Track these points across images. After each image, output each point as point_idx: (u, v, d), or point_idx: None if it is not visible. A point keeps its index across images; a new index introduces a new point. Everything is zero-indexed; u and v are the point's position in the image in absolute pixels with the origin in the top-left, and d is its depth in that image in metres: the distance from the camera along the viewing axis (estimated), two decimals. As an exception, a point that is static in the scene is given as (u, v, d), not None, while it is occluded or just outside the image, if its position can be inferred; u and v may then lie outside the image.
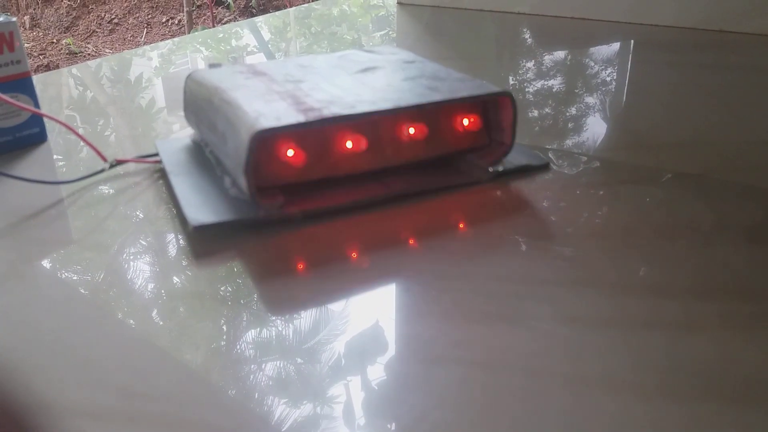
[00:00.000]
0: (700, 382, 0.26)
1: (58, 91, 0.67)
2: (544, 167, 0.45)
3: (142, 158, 0.46)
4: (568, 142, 0.49)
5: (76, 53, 2.82)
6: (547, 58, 0.71)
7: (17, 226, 0.39)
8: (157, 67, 0.75)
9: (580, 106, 0.57)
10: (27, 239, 0.38)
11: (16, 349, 0.29)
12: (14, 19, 0.47)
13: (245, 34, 0.91)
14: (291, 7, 1.06)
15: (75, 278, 0.34)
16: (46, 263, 0.36)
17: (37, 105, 0.50)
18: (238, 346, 0.29)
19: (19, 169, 0.47)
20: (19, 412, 0.26)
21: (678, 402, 0.26)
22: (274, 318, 0.31)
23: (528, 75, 0.66)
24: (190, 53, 0.81)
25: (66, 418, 0.26)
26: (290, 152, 0.37)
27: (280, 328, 0.30)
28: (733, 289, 0.32)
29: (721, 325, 0.29)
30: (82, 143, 0.46)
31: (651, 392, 0.26)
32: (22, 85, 0.49)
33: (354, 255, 0.36)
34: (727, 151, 0.47)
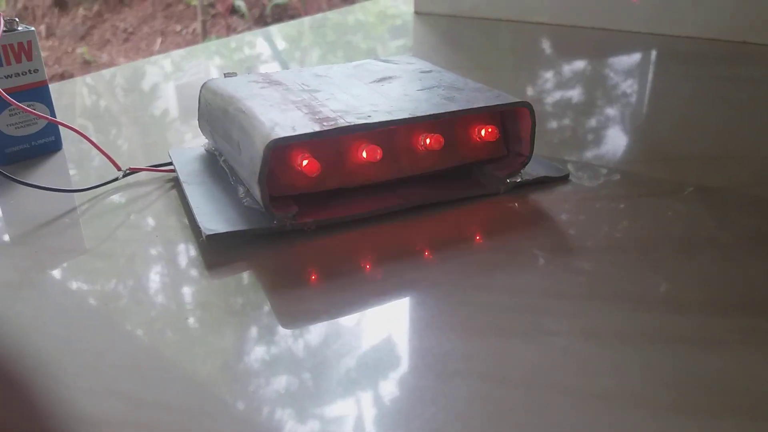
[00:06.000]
0: (719, 398, 0.26)
1: (72, 99, 0.67)
2: (563, 179, 0.44)
3: (155, 167, 0.46)
4: (588, 154, 0.49)
5: (91, 62, 2.84)
6: (566, 69, 0.71)
7: (31, 234, 0.39)
8: (170, 76, 0.75)
9: (600, 117, 0.56)
10: (40, 247, 0.38)
11: (28, 356, 0.29)
12: (33, 28, 0.47)
13: (259, 44, 0.91)
14: (306, 16, 1.06)
15: (86, 287, 0.34)
16: (58, 272, 0.36)
17: (53, 114, 0.50)
18: (248, 358, 0.29)
19: (34, 177, 0.47)
20: (30, 418, 0.26)
21: (695, 419, 0.25)
22: (285, 330, 0.30)
23: (546, 85, 0.65)
24: (204, 62, 0.81)
25: (77, 426, 0.25)
26: (305, 162, 0.37)
27: (291, 341, 0.30)
28: (754, 305, 0.31)
29: (741, 341, 0.29)
30: (95, 152, 0.46)
31: (667, 409, 0.25)
32: (40, 93, 0.49)
33: (368, 266, 0.35)
34: (749, 164, 0.47)
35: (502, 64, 0.76)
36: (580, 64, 0.73)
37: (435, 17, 0.98)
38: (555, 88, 0.64)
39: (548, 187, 0.43)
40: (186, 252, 0.37)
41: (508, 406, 0.26)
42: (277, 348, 0.29)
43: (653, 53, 0.76)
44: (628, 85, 0.64)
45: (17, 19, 0.47)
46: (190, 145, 0.52)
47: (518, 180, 0.42)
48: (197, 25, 3.01)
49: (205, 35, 2.95)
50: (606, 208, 0.41)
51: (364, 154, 0.39)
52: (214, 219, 0.38)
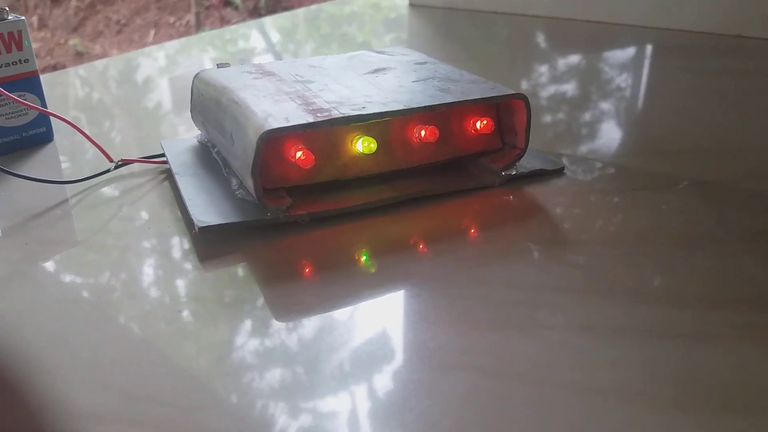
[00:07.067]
0: (716, 393, 0.26)
1: (65, 91, 0.67)
2: (559, 172, 0.44)
3: (147, 159, 0.46)
4: (583, 148, 0.48)
5: (83, 54, 2.82)
6: (562, 62, 0.71)
7: (22, 225, 0.39)
8: (163, 68, 0.75)
9: (595, 111, 0.56)
10: (32, 239, 0.37)
11: (21, 350, 0.29)
12: (23, 17, 0.47)
13: (253, 35, 0.90)
14: (300, 7, 1.06)
15: (79, 280, 0.34)
16: (50, 264, 0.35)
17: (44, 104, 0.49)
18: (242, 352, 0.28)
19: (25, 168, 0.46)
20: (23, 412, 0.26)
21: (693, 414, 0.25)
22: (279, 323, 0.30)
23: (542, 79, 0.65)
24: (198, 54, 0.81)
25: (70, 420, 0.25)
26: (299, 153, 0.37)
27: (285, 334, 0.30)
28: (751, 299, 0.31)
29: (739, 336, 0.29)
30: (87, 143, 0.46)
31: (665, 403, 0.25)
32: (30, 84, 0.48)
33: (362, 259, 0.35)
34: (744, 158, 0.46)
35: (496, 57, 0.76)
36: (575, 58, 0.72)
37: (430, 9, 0.98)
38: (550, 81, 0.64)
39: (543, 180, 0.43)
40: (179, 244, 0.37)
41: (503, 399, 0.26)
42: (270, 341, 0.29)
43: (648, 47, 0.76)
44: (623, 79, 0.64)
45: (7, 9, 0.46)
46: (183, 136, 0.52)
47: (513, 173, 0.42)
48: (191, 17, 3.00)
49: (199, 27, 2.93)
50: (601, 201, 0.40)
51: (359, 146, 0.38)
52: (207, 211, 0.37)
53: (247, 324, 0.30)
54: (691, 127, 0.52)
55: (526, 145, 0.42)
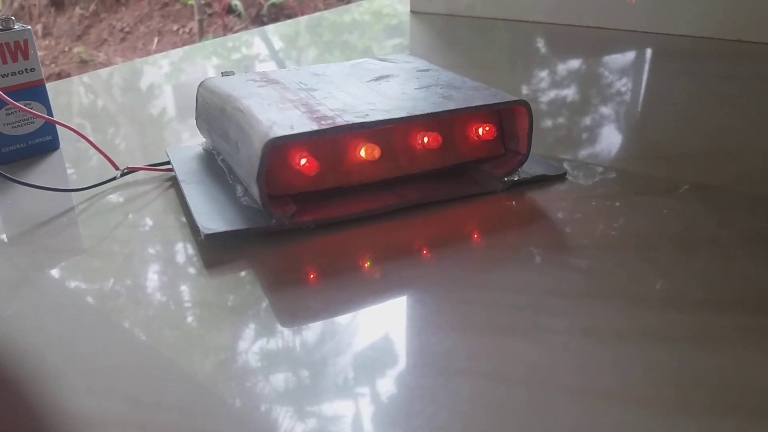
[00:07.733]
0: (718, 397, 0.26)
1: (70, 99, 0.67)
2: (560, 177, 0.44)
3: (153, 166, 0.46)
4: (584, 153, 0.49)
5: (87, 61, 2.84)
6: (562, 68, 0.71)
7: (29, 233, 0.39)
8: (167, 76, 0.75)
9: (596, 116, 0.56)
10: (38, 247, 0.38)
11: (27, 355, 0.29)
12: (29, 27, 0.47)
13: (256, 43, 0.91)
14: (302, 15, 1.06)
15: (85, 287, 0.34)
16: (56, 271, 0.36)
17: (50, 113, 0.50)
18: (247, 357, 0.29)
19: (32, 176, 0.47)
20: (29, 418, 0.26)
21: (694, 417, 0.25)
22: (284, 328, 0.30)
23: (542, 84, 0.65)
24: (201, 61, 0.81)
25: (76, 425, 0.25)
26: (303, 161, 0.37)
27: (290, 339, 0.30)
28: (752, 302, 0.31)
29: (740, 339, 0.29)
30: (93, 151, 0.46)
31: (667, 407, 0.25)
32: (36, 92, 0.49)
33: (366, 265, 0.35)
34: (745, 161, 0.47)
35: (498, 63, 0.76)
36: (575, 63, 0.73)
37: (431, 16, 0.98)
38: (550, 86, 0.65)
39: (545, 185, 0.43)
40: (184, 251, 0.37)
41: (508, 404, 0.26)
42: (275, 346, 0.29)
43: (648, 52, 0.76)
44: (624, 84, 0.65)
45: (13, 18, 0.47)
46: (188, 144, 0.52)
47: (516, 178, 0.43)
48: (194, 25, 3.01)
49: (202, 35, 2.94)
50: (602, 206, 0.41)
51: (362, 153, 0.39)
52: (212, 218, 0.38)
53: (252, 329, 0.31)
54: (692, 131, 0.52)
55: (528, 151, 0.42)
